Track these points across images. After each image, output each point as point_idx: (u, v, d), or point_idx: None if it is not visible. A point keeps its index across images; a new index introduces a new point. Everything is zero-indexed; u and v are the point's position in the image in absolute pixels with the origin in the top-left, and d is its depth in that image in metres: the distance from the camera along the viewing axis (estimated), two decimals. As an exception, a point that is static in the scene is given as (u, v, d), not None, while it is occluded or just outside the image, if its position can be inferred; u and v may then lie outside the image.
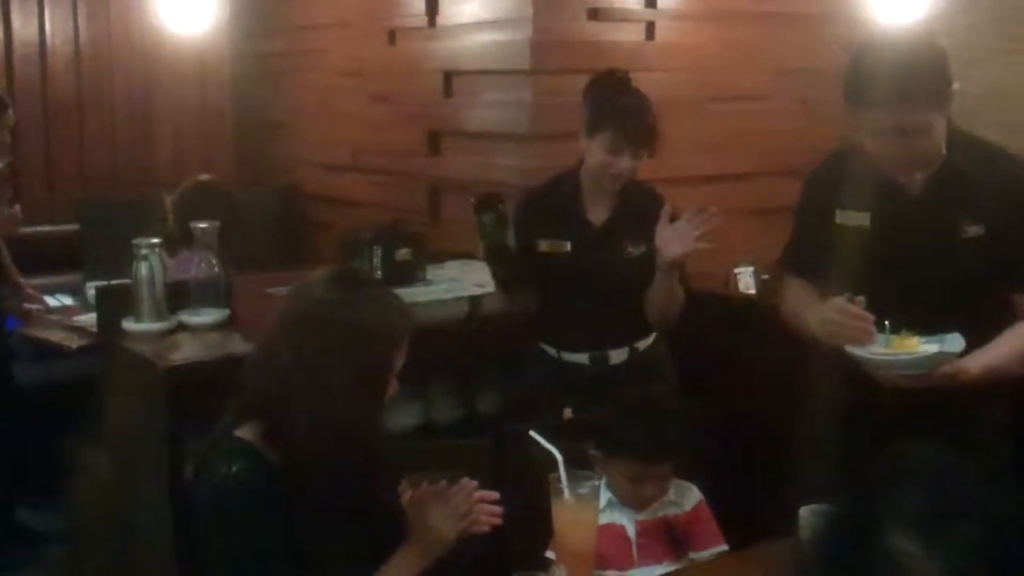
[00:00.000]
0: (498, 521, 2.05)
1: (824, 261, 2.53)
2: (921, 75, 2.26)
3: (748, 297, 4.42)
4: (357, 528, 2.01)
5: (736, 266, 4.57)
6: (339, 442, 1.92)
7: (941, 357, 2.26)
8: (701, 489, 2.55)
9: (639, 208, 3.17)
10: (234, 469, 1.91)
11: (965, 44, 4.99)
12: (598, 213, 3.19)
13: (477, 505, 2.06)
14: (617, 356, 3.19)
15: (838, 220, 2.49)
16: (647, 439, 2.41)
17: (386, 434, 2.14)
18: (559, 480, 1.80)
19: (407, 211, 4.67)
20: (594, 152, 3.08)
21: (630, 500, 2.41)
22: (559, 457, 1.81)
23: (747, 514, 2.56)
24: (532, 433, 1.91)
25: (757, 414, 3.40)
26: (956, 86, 2.34)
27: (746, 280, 4.60)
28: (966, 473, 0.80)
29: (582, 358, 3.18)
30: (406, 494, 2.12)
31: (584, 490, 1.80)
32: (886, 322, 2.31)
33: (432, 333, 3.61)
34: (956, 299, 2.38)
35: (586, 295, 3.15)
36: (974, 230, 2.36)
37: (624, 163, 3.06)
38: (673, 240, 3.02)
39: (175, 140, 6.08)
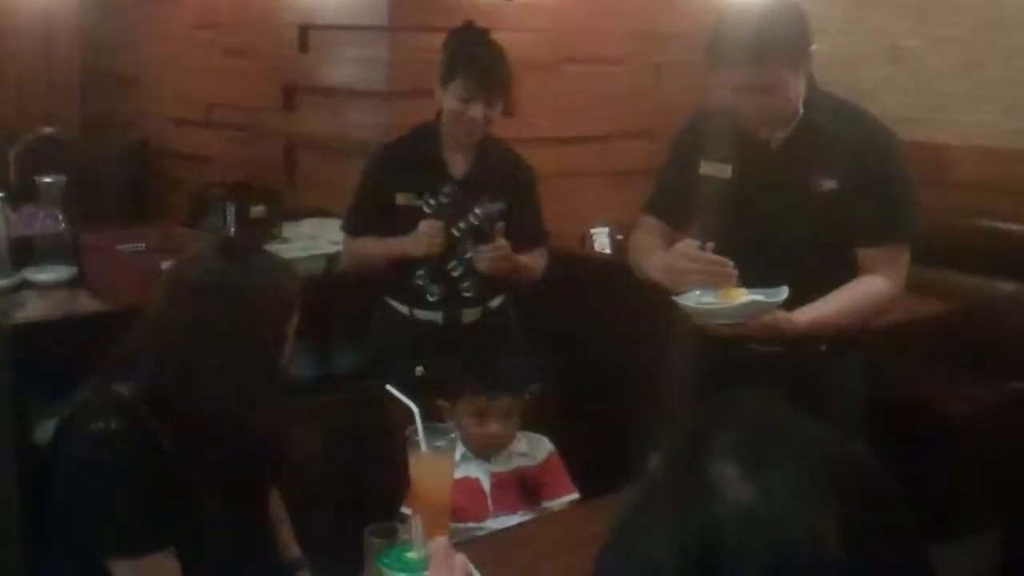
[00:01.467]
0: None
1: (684, 207, 2.62)
2: (777, 35, 2.33)
3: (603, 256, 4.49)
4: (234, 489, 2.00)
5: (591, 227, 4.63)
6: (236, 408, 1.93)
7: (760, 306, 2.32)
8: (554, 442, 2.60)
9: (499, 164, 3.19)
10: (113, 425, 1.89)
11: (811, 11, 5.15)
12: (457, 167, 3.19)
13: None
14: (470, 315, 3.21)
15: (702, 171, 2.56)
16: (486, 371, 2.48)
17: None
18: (415, 433, 1.82)
19: (262, 168, 4.60)
20: (447, 101, 3.08)
21: (480, 444, 2.45)
22: (416, 410, 1.82)
23: (599, 465, 2.65)
24: (389, 387, 1.92)
25: (607, 369, 3.49)
26: (814, 47, 2.42)
27: (601, 241, 4.67)
28: (786, 412, 0.85)
29: (435, 316, 3.19)
30: None
31: (440, 443, 1.82)
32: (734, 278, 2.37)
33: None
34: (807, 253, 2.46)
35: (451, 280, 3.16)
36: (828, 185, 2.43)
37: (476, 111, 3.06)
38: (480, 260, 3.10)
39: (17, 91, 5.84)
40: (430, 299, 3.16)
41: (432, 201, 3.14)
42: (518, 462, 2.51)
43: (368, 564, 1.62)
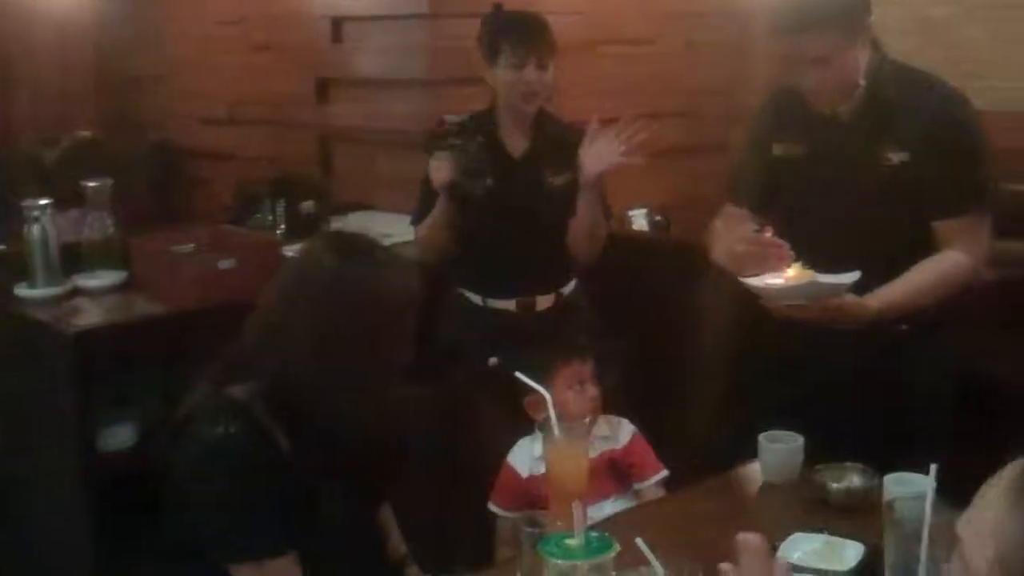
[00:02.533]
0: None
1: (762, 191, 2.58)
2: (830, 4, 2.30)
3: (648, 235, 4.46)
4: (353, 493, 1.97)
5: (629, 209, 4.60)
6: (361, 410, 1.88)
7: (823, 288, 2.29)
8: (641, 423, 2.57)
9: (557, 138, 3.16)
10: (231, 429, 1.85)
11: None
12: (516, 145, 3.17)
13: None
14: (544, 302, 3.18)
15: (775, 152, 2.53)
16: (567, 340, 2.55)
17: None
18: (549, 420, 1.78)
19: (293, 163, 4.56)
20: (501, 74, 3.06)
21: (580, 416, 2.42)
22: (548, 396, 1.79)
23: (678, 442, 2.67)
24: (519, 375, 1.88)
25: (676, 351, 3.46)
26: (872, 18, 2.37)
27: (639, 222, 4.65)
28: None
29: (509, 304, 3.15)
30: None
31: (574, 427, 1.79)
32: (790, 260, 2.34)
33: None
34: (883, 229, 2.42)
35: (510, 232, 3.11)
36: (899, 156, 2.38)
37: (531, 75, 3.04)
38: (598, 154, 3.01)
39: (32, 94, 5.77)
40: (467, 230, 3.11)
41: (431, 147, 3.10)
42: (602, 446, 2.47)
43: (525, 554, 1.59)
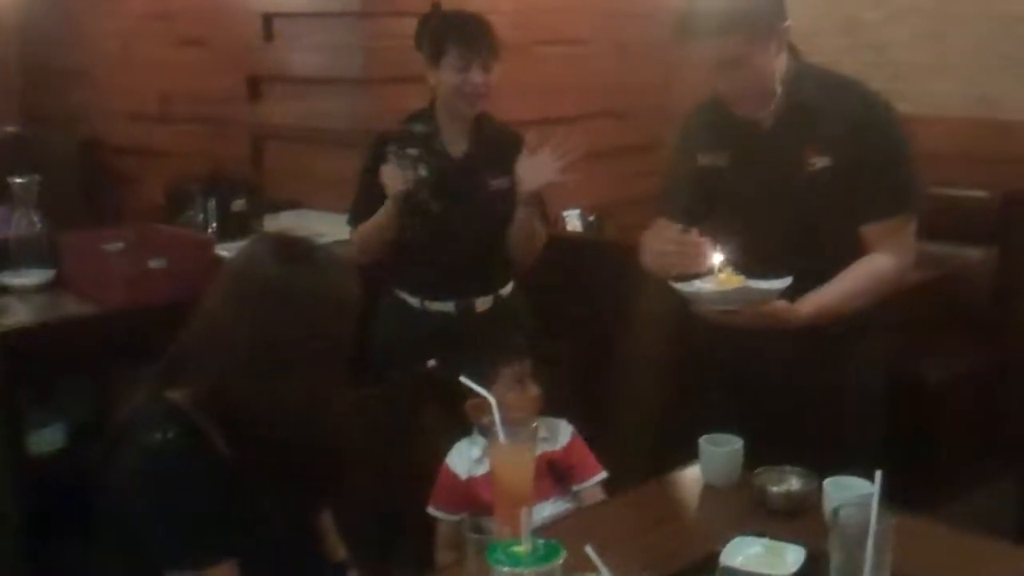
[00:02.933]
0: None
1: (692, 202, 2.57)
2: (738, 7, 2.29)
3: (579, 235, 4.47)
4: (293, 497, 1.95)
5: (563, 209, 4.61)
6: (302, 414, 1.86)
7: (753, 293, 2.26)
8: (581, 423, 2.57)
9: (497, 141, 3.15)
10: (170, 435, 1.82)
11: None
12: (456, 147, 3.15)
13: None
14: (482, 304, 3.16)
15: (700, 162, 2.53)
16: (504, 340, 2.55)
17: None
18: (494, 424, 1.77)
19: (226, 161, 4.49)
20: (445, 75, 3.04)
21: (520, 416, 2.41)
22: (493, 401, 1.78)
23: (616, 444, 2.69)
24: (463, 379, 1.87)
25: (614, 353, 3.47)
26: (788, 23, 2.36)
27: (573, 222, 4.66)
28: None
29: (447, 306, 3.14)
30: None
31: (520, 431, 1.78)
32: (717, 260, 2.31)
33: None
34: (811, 235, 2.42)
35: (449, 235, 3.10)
36: (821, 162, 2.37)
37: (476, 77, 3.03)
38: (533, 171, 3.01)
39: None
40: (418, 242, 3.10)
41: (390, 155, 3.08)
42: (541, 447, 2.46)
43: (470, 561, 1.58)
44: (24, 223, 3.46)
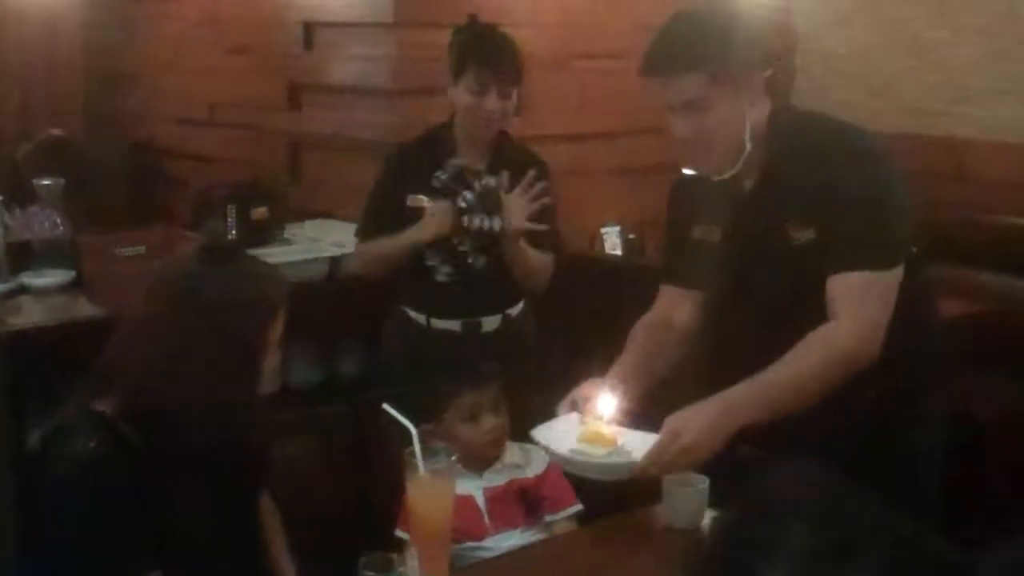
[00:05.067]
0: None
1: (692, 272, 2.38)
2: (701, 47, 2.07)
3: (614, 258, 4.39)
4: (220, 505, 1.92)
5: (602, 226, 4.54)
6: (215, 421, 1.85)
7: (616, 467, 2.03)
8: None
9: (516, 164, 3.05)
10: (91, 444, 1.82)
11: (825, 6, 5.06)
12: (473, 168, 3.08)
13: None
14: (490, 323, 3.09)
15: (694, 235, 2.33)
16: (465, 367, 2.45)
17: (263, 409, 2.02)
18: (414, 455, 1.72)
19: (266, 168, 4.51)
20: (461, 96, 2.97)
21: (476, 451, 2.36)
22: (414, 431, 1.73)
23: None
24: (386, 407, 1.82)
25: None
26: (769, 72, 2.16)
27: (612, 240, 4.58)
28: (854, 504, 0.74)
29: (454, 325, 3.07)
30: None
31: (440, 465, 1.72)
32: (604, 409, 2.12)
33: (290, 294, 3.51)
34: (806, 312, 2.10)
35: (459, 255, 3.05)
36: (805, 235, 2.11)
37: (492, 103, 2.94)
38: (514, 213, 2.93)
39: (22, 92, 5.76)
40: (439, 279, 3.04)
41: (436, 183, 3.03)
42: (512, 474, 2.41)
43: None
44: (47, 224, 3.51)
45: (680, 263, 2.39)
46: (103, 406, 1.86)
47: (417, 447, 1.72)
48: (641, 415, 2.15)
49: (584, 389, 2.18)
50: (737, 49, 2.09)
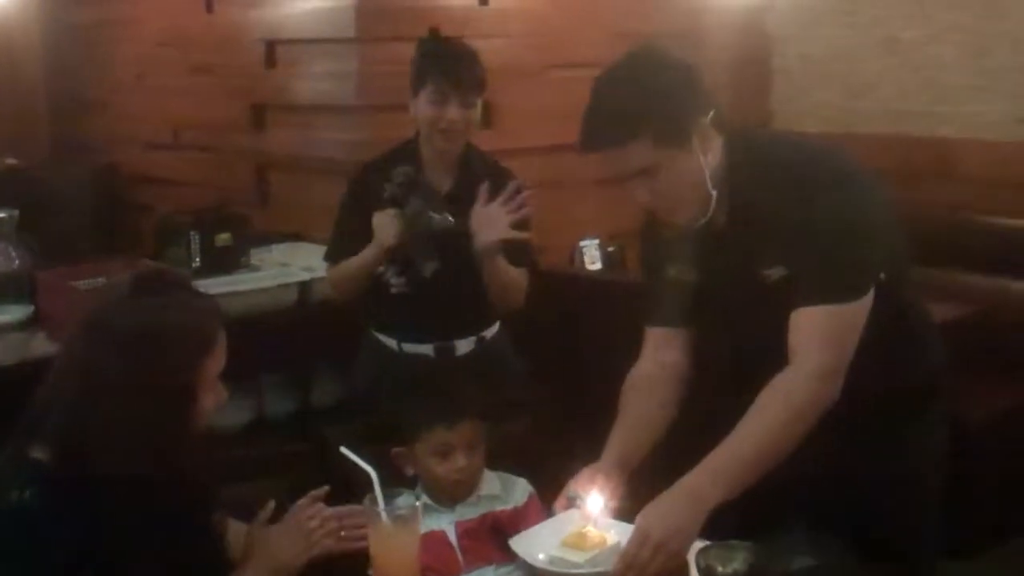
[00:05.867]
0: (361, 544, 1.86)
1: (672, 312, 2.25)
2: (633, 113, 1.95)
3: (591, 273, 4.28)
4: (169, 556, 1.80)
5: (581, 239, 4.43)
6: (141, 461, 1.71)
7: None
8: (540, 483, 2.35)
9: (483, 178, 2.92)
10: (26, 494, 1.69)
11: (801, 7, 4.97)
12: (439, 184, 2.97)
13: (329, 522, 1.88)
14: (464, 346, 2.98)
15: (671, 274, 2.20)
16: (441, 399, 2.26)
17: (205, 447, 1.89)
18: (375, 502, 1.59)
19: (232, 190, 4.40)
20: (422, 108, 2.86)
21: (447, 484, 2.22)
22: (375, 476, 1.60)
23: None
24: (343, 450, 1.69)
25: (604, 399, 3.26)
26: (711, 113, 1.99)
27: (591, 253, 4.47)
28: None
29: (426, 349, 2.96)
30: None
31: (403, 511, 1.59)
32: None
33: (259, 323, 3.40)
34: (781, 350, 2.00)
35: (411, 263, 2.92)
36: (777, 272, 2.01)
37: (452, 113, 2.84)
38: (487, 224, 2.80)
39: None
40: (394, 292, 2.93)
41: (386, 194, 2.91)
42: (488, 505, 2.25)
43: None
44: (2, 259, 3.38)
45: (660, 304, 2.26)
46: (40, 453, 1.73)
47: (379, 493, 1.59)
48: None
49: (580, 481, 2.06)
50: (671, 105, 1.96)
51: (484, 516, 2.23)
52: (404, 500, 1.61)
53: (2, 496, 1.69)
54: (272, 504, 1.91)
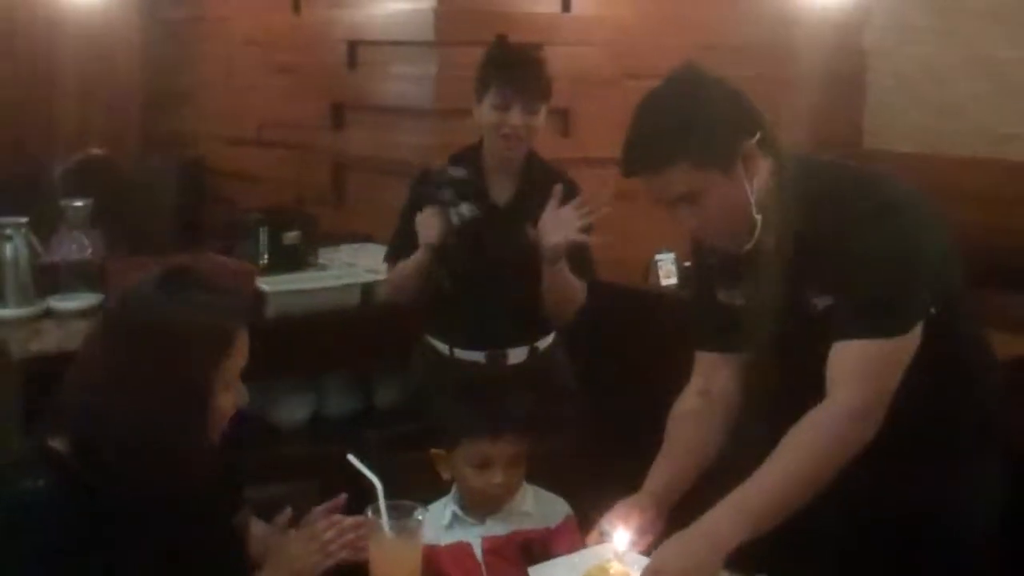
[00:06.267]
0: (364, 555, 1.84)
1: (722, 336, 2.17)
2: (673, 135, 1.89)
3: (660, 289, 4.19)
4: (178, 554, 1.79)
5: (656, 253, 4.35)
6: (156, 460, 1.71)
7: None
8: (588, 506, 2.27)
9: (545, 186, 2.87)
10: (40, 483, 1.70)
11: (897, 24, 4.83)
12: (501, 193, 2.95)
13: (346, 533, 1.86)
14: (516, 355, 2.94)
15: (719, 298, 2.14)
16: (487, 409, 2.19)
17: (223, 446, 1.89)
18: (378, 514, 1.55)
19: (311, 188, 4.43)
20: (485, 114, 2.86)
21: (482, 498, 2.17)
22: (379, 487, 1.56)
23: None
24: (350, 457, 1.66)
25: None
26: (757, 136, 1.91)
27: (667, 267, 4.38)
28: None
29: (477, 356, 2.93)
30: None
31: (406, 524, 1.55)
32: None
33: (322, 322, 3.41)
34: (823, 383, 1.92)
35: (484, 282, 2.90)
36: (823, 302, 1.94)
37: (515, 118, 2.82)
38: (556, 226, 2.76)
39: (80, 111, 5.76)
40: (444, 289, 2.91)
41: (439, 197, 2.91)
42: (519, 523, 2.17)
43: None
44: (75, 247, 3.43)
45: (709, 327, 2.20)
46: (57, 443, 1.74)
47: (383, 504, 1.55)
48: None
49: (614, 515, 2.00)
50: (712, 128, 1.90)
51: (513, 534, 2.16)
52: (409, 512, 1.57)
53: (17, 483, 1.70)
54: (289, 511, 1.89)
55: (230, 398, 1.79)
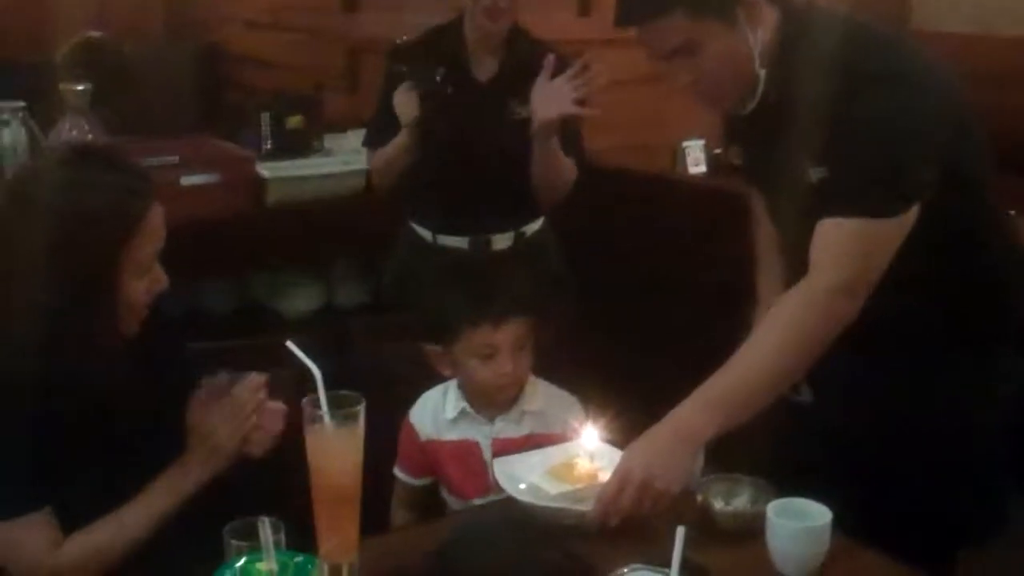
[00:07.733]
0: (279, 428, 1.81)
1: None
2: None
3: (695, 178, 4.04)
4: (105, 454, 1.72)
5: (684, 140, 4.17)
6: (60, 348, 1.63)
7: (563, 513, 1.72)
8: (590, 397, 2.14)
9: (530, 61, 2.74)
10: None
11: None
12: (483, 68, 2.83)
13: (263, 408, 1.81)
14: (501, 241, 2.85)
15: (729, 156, 2.09)
16: (486, 294, 2.05)
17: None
18: (317, 403, 1.45)
19: (326, 74, 4.30)
20: None
21: (491, 392, 2.05)
22: (318, 375, 1.45)
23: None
24: (289, 344, 1.56)
25: (674, 322, 3.04)
26: None
27: (695, 155, 4.23)
28: None
29: (461, 242, 2.84)
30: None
31: (347, 414, 1.44)
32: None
33: (326, 209, 3.31)
34: None
35: (467, 164, 2.79)
36: (818, 173, 1.79)
37: None
38: (549, 99, 2.62)
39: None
40: (422, 165, 2.82)
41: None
42: (531, 425, 2.05)
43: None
44: (75, 132, 3.34)
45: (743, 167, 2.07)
46: None
47: (322, 393, 1.45)
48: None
49: None
50: None
51: (528, 437, 2.03)
52: (351, 403, 1.46)
53: None
54: (225, 376, 1.82)
55: (143, 283, 1.69)
